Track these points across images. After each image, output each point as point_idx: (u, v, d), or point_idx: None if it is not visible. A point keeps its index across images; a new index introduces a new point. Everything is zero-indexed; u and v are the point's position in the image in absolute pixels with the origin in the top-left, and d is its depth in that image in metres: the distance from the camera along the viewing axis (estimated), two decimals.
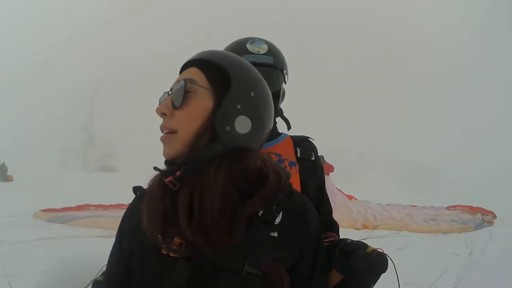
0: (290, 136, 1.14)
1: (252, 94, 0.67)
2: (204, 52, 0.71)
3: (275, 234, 0.66)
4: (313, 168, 1.11)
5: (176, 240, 0.63)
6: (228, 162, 0.64)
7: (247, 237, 0.62)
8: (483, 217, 6.31)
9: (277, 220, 0.66)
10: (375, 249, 0.76)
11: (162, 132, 0.67)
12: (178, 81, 0.68)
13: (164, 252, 0.63)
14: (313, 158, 1.11)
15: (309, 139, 1.16)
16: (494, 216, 6.39)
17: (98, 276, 0.95)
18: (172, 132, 0.65)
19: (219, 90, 0.66)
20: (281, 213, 0.67)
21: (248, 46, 1.10)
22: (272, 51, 1.11)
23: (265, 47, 1.10)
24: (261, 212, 0.65)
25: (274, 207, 0.66)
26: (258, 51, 1.09)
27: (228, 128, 0.64)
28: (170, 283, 0.61)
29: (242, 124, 0.65)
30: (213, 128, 0.63)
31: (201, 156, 0.63)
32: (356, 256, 0.74)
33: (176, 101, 0.65)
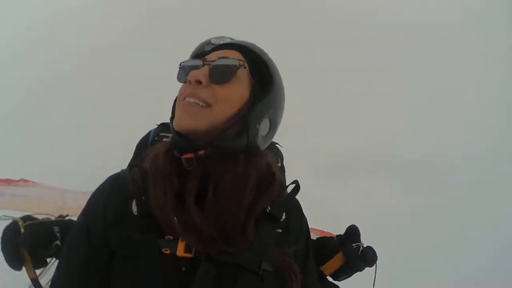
0: None
1: (282, 105, 0.70)
2: (252, 44, 0.70)
3: (280, 231, 0.66)
4: None
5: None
6: (254, 158, 0.64)
7: (256, 233, 0.61)
8: None
9: (282, 217, 0.67)
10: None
11: (180, 100, 0.63)
12: (223, 57, 0.65)
13: (167, 252, 0.56)
14: (278, 164, 1.11)
15: (277, 145, 1.15)
16: None
17: None
18: (205, 104, 0.61)
19: (256, 87, 0.65)
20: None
21: (212, 39, 1.14)
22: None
23: (228, 40, 1.10)
24: (269, 209, 0.64)
25: (279, 205, 0.66)
26: (219, 42, 1.14)
27: (257, 126, 0.63)
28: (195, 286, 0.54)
29: (265, 127, 0.66)
30: (244, 121, 0.62)
31: (231, 145, 0.61)
32: (368, 248, 0.88)
33: (219, 77, 0.62)
